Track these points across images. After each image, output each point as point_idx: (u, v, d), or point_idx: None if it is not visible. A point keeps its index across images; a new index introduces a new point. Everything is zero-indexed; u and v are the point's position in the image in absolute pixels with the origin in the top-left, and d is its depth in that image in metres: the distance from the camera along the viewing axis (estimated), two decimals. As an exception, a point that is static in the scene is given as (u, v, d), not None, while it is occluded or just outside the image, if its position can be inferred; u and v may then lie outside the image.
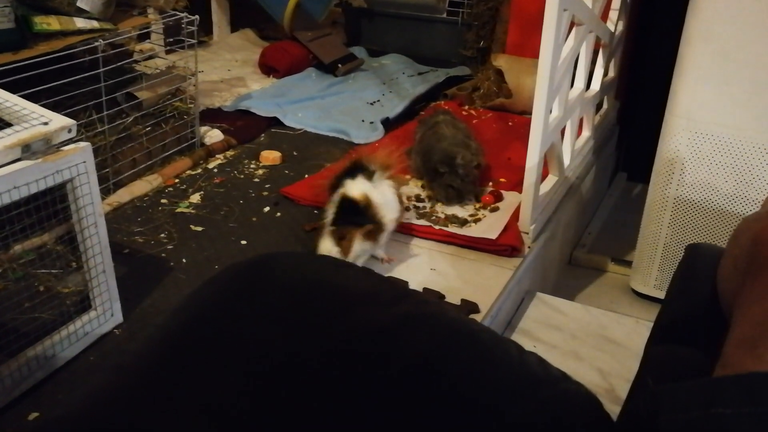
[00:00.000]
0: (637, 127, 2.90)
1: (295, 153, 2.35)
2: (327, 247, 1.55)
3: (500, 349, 0.74)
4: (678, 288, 0.94)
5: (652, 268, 2.06)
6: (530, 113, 1.74)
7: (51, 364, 1.29)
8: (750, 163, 1.83)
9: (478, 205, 2.00)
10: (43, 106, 1.28)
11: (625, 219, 2.56)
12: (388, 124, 2.57)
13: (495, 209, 1.98)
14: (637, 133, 2.90)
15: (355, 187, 1.59)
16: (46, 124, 1.21)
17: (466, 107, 2.83)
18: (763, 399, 0.55)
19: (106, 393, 0.66)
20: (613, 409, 0.80)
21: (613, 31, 2.43)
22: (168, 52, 2.38)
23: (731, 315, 0.68)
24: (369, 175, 1.64)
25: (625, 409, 0.88)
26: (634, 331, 1.73)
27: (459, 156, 1.97)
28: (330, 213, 1.59)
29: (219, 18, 3.48)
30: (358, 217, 1.55)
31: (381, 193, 1.63)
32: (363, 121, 2.60)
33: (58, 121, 1.23)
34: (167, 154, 2.14)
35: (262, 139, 2.46)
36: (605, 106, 2.67)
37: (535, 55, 1.68)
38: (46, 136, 1.19)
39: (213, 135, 2.32)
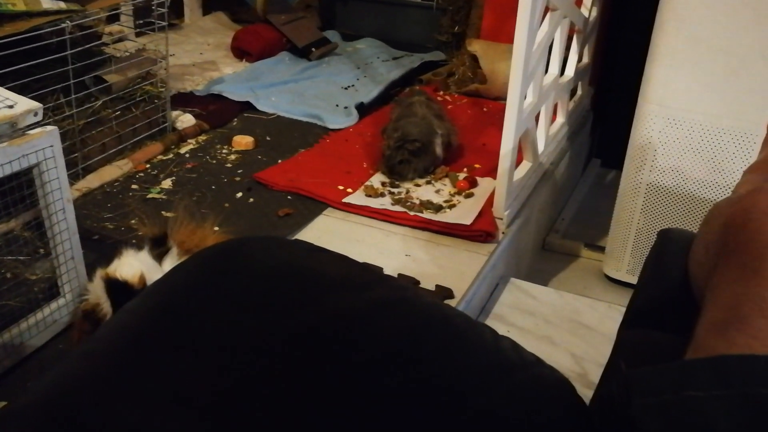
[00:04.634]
0: (610, 114, 2.92)
1: (268, 138, 2.33)
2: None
3: (474, 334, 0.74)
4: (650, 273, 0.95)
5: (624, 254, 2.07)
6: (505, 99, 1.73)
7: (19, 352, 1.27)
8: (722, 149, 1.84)
9: (453, 191, 2.00)
10: (9, 89, 1.25)
11: (599, 205, 2.58)
12: (363, 109, 2.55)
13: (470, 195, 1.98)
14: (611, 120, 2.91)
15: (129, 266, 1.26)
16: (11, 107, 1.19)
17: (441, 93, 2.82)
18: (734, 381, 0.55)
19: (74, 380, 0.65)
20: (586, 393, 0.80)
21: (587, 16, 2.44)
22: (138, 34, 2.34)
23: (703, 299, 0.68)
24: (160, 252, 1.32)
25: (598, 392, 0.88)
26: (606, 316, 1.74)
27: (400, 131, 2.02)
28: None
29: (190, 0, 3.42)
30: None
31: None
32: (337, 105, 2.58)
33: (24, 104, 1.20)
34: (138, 138, 2.10)
35: (234, 123, 2.43)
36: (579, 92, 2.67)
37: (510, 40, 1.67)
38: (11, 120, 1.17)
39: (185, 119, 2.29)
